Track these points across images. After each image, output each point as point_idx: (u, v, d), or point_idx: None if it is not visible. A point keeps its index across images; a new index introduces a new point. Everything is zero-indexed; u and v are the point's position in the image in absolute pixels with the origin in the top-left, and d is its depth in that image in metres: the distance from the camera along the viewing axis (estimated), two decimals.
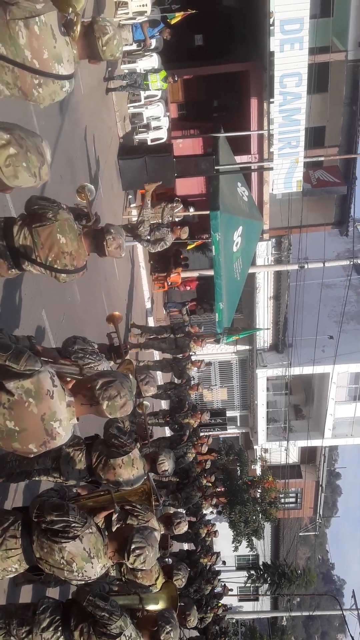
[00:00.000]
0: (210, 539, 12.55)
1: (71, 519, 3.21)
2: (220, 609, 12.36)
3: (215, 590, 12.50)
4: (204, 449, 11.27)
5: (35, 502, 3.37)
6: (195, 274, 16.34)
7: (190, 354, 10.48)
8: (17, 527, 3.26)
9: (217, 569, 13.15)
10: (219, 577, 12.74)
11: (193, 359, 10.79)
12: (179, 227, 9.80)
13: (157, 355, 12.88)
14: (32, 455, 2.83)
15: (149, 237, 8.95)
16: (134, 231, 8.82)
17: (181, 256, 14.95)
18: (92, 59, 3.20)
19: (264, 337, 19.48)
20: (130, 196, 12.96)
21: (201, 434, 11.81)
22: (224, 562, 18.55)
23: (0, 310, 5.32)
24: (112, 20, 3.21)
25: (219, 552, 12.98)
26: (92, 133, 9.69)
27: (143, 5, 10.67)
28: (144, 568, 3.62)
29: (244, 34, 15.16)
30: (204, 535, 11.26)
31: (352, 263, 16.01)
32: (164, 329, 11.04)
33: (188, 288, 18.11)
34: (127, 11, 10.78)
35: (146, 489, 4.50)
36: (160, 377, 12.77)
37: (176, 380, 11.05)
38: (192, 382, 10.98)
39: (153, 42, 11.58)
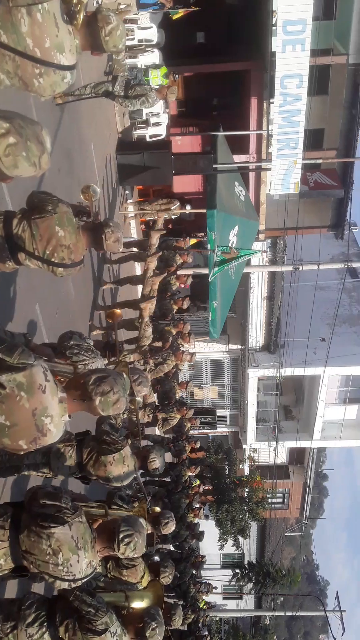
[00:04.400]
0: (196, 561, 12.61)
1: (63, 505, 3.20)
2: (204, 610, 12.46)
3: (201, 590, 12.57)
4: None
5: (30, 489, 3.36)
6: (189, 271, 16.32)
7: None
8: (5, 519, 3.23)
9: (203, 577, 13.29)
10: (203, 584, 12.88)
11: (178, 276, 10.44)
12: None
13: (138, 269, 12.44)
14: (22, 453, 2.79)
15: (123, 93, 8.25)
16: (109, 93, 8.14)
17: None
18: (94, 49, 3.16)
19: (257, 338, 19.50)
20: (127, 191, 12.92)
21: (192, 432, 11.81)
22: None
23: None
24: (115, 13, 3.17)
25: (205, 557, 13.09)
26: (91, 127, 9.65)
27: None
28: (135, 555, 3.59)
29: (246, 33, 15.13)
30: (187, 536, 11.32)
31: (346, 266, 16.06)
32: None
33: (182, 286, 18.07)
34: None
35: (142, 512, 4.48)
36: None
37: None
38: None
39: (147, 17, 11.31)
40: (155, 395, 9.57)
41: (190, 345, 10.28)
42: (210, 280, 11.44)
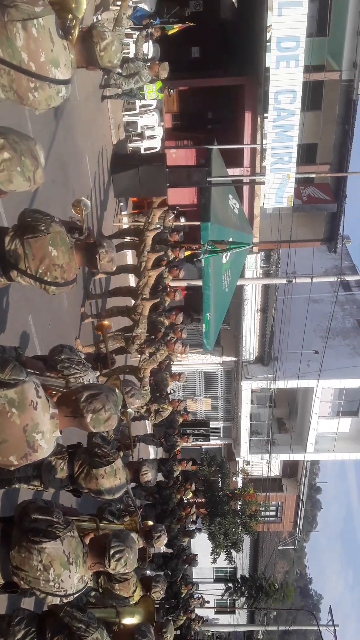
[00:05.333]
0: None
1: (54, 519, 3.17)
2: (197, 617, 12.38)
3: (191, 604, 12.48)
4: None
5: (21, 504, 3.33)
6: (183, 283, 16.36)
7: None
8: None
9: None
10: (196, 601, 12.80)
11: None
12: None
13: (130, 258, 12.35)
14: (12, 468, 2.77)
15: (120, 71, 8.20)
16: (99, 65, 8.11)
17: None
18: (89, 65, 3.19)
19: (250, 350, 19.52)
20: (121, 204, 12.96)
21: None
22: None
23: None
24: (110, 29, 3.21)
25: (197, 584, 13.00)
26: (86, 140, 9.70)
27: None
28: (126, 571, 3.56)
29: (241, 48, 15.32)
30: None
31: (339, 279, 16.14)
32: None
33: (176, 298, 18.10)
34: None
35: (133, 525, 4.45)
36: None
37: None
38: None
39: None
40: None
41: (183, 356, 10.21)
42: (203, 265, 11.14)
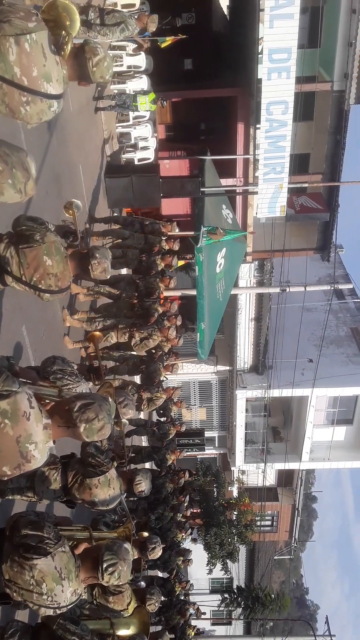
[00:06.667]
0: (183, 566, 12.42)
1: (45, 535, 3.16)
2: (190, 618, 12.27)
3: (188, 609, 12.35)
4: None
5: (12, 517, 3.32)
6: (178, 293, 16.41)
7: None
8: None
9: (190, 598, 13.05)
10: (190, 607, 12.66)
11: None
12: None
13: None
14: (5, 478, 2.78)
15: (100, 21, 7.58)
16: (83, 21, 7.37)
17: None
18: (82, 80, 3.23)
19: (245, 359, 19.54)
20: (115, 214, 13.01)
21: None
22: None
23: None
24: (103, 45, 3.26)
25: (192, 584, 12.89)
26: (80, 151, 9.75)
27: None
28: (120, 583, 3.55)
29: (233, 60, 15.47)
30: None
31: (332, 288, 16.21)
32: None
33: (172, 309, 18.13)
34: (116, 1, 10.82)
35: (127, 533, 4.43)
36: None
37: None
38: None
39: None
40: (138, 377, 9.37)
41: (173, 341, 9.96)
42: (196, 249, 11.00)
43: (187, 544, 13.20)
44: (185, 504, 11.74)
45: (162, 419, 10.59)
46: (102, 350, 8.59)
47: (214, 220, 12.01)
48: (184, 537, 12.07)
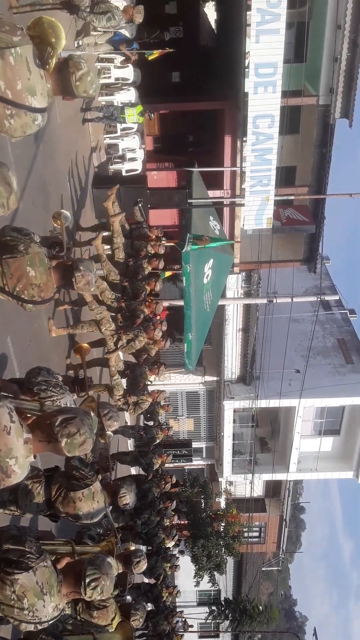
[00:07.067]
0: (170, 572, 12.31)
1: (27, 549, 3.13)
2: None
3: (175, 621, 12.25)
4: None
5: None
6: (165, 303, 16.41)
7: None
8: None
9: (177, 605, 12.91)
10: (177, 616, 12.52)
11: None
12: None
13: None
14: None
15: (89, 9, 7.80)
16: (70, 4, 7.49)
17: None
18: (65, 94, 3.25)
19: (232, 369, 19.56)
20: (103, 220, 13.02)
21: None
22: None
23: None
24: (87, 59, 3.29)
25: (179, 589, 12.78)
26: (67, 162, 9.77)
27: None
28: (103, 598, 3.51)
29: (220, 73, 15.64)
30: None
31: (319, 299, 16.33)
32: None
33: (158, 317, 18.14)
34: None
35: (110, 547, 4.41)
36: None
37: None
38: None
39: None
40: (124, 380, 9.36)
41: (161, 344, 9.96)
42: (183, 252, 10.99)
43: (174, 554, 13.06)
44: (172, 508, 11.65)
45: (149, 423, 10.54)
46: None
47: (201, 231, 12.06)
48: (171, 548, 11.99)
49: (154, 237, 10.36)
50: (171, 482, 11.38)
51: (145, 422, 10.62)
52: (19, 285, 3.67)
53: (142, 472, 10.55)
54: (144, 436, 10.45)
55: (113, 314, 8.75)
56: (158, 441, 10.59)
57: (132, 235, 10.09)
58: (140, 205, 10.75)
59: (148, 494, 9.90)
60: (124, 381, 9.33)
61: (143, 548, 10.73)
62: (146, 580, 12.22)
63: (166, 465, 11.66)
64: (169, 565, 11.55)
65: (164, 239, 10.86)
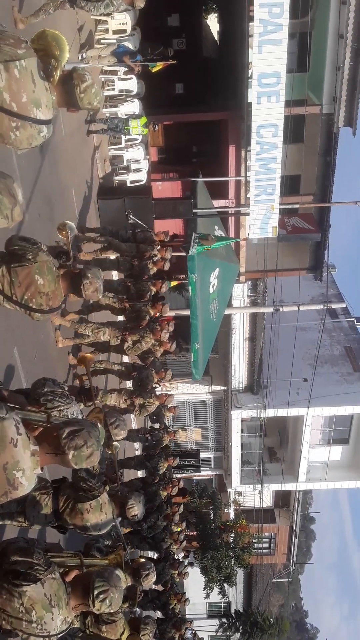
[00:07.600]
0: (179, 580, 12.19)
1: (35, 561, 3.11)
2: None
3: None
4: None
5: (1, 543, 3.27)
6: (171, 313, 16.40)
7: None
8: None
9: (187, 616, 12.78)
10: (187, 626, 12.36)
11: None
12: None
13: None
14: None
15: None
16: None
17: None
18: (70, 106, 3.28)
19: (239, 379, 19.50)
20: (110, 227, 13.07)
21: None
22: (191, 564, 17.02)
23: None
24: (91, 72, 3.31)
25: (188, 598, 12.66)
26: (72, 173, 9.83)
27: (123, 24, 10.89)
28: (111, 611, 3.48)
29: (224, 84, 15.73)
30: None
31: (325, 307, 16.28)
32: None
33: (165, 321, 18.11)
34: (107, 27, 11.03)
35: (118, 559, 4.37)
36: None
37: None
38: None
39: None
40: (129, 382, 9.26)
41: (167, 346, 9.80)
42: (189, 255, 10.88)
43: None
44: (179, 513, 11.55)
45: (155, 426, 10.47)
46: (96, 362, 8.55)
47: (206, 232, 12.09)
48: (180, 558, 11.87)
49: (159, 240, 10.32)
50: (178, 487, 11.28)
51: (151, 424, 10.53)
52: (27, 294, 3.68)
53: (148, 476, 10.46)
54: (150, 439, 10.36)
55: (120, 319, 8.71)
56: (165, 444, 10.50)
57: (137, 238, 10.04)
58: (130, 215, 10.74)
59: (155, 498, 9.81)
60: (129, 383, 9.29)
61: (151, 554, 10.65)
62: (153, 587, 12.11)
63: (175, 474, 11.56)
64: (177, 572, 11.43)
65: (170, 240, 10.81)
